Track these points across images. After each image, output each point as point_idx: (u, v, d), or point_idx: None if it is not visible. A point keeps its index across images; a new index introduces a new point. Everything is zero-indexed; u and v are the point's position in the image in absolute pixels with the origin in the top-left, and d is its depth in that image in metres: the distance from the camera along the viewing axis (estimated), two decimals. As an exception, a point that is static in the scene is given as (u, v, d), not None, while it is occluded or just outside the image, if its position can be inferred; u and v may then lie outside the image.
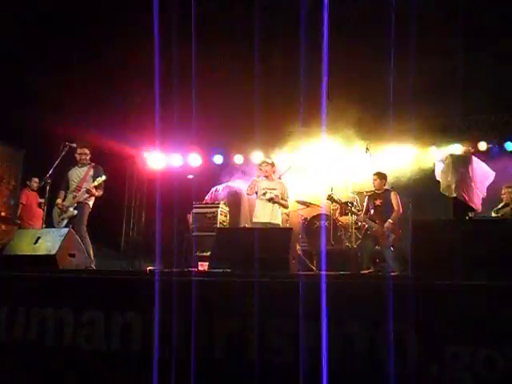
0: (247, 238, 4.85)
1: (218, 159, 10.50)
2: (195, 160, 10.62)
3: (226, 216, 8.55)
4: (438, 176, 8.17)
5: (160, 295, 3.85)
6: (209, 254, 5.43)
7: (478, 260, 3.54)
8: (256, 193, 7.26)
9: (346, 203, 8.03)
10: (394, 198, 7.25)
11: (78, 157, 6.91)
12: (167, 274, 4.47)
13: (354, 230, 8.25)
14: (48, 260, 4.82)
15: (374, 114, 8.37)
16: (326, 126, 9.32)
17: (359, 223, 7.92)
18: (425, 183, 8.49)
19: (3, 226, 8.74)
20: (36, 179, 8.57)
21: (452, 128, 8.91)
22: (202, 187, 9.83)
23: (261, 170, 7.33)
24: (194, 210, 8.45)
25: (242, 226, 8.63)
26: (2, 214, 9.34)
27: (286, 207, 7.40)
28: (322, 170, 9.30)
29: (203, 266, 7.07)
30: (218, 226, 8.20)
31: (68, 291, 4.39)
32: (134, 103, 9.91)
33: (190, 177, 10.74)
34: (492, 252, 3.56)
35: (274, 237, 5.08)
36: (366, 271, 6.75)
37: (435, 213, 8.13)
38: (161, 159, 10.86)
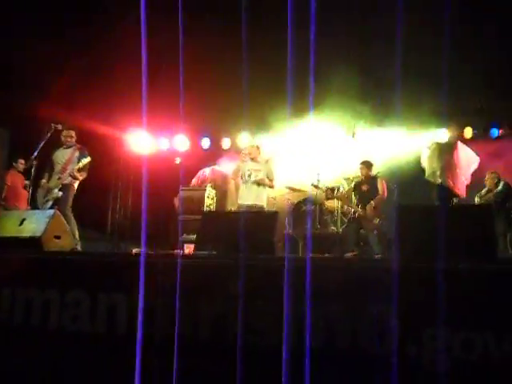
0: (233, 222, 4.86)
1: (206, 142, 10.47)
2: (182, 143, 10.58)
3: (212, 199, 8.54)
4: (424, 162, 8.23)
5: (145, 277, 3.86)
6: (195, 236, 5.43)
7: (460, 244, 3.59)
8: (241, 177, 7.30)
9: (332, 189, 8.10)
10: (380, 184, 7.36)
11: (63, 138, 6.86)
12: (153, 256, 4.49)
13: (339, 215, 8.32)
14: (33, 242, 4.80)
15: (360, 99, 8.39)
16: (312, 110, 9.36)
17: (345, 207, 8.01)
18: (410, 169, 8.56)
19: (-13, 208, 8.67)
20: (22, 161, 8.47)
21: (438, 114, 8.95)
22: (189, 171, 9.82)
23: (247, 153, 7.37)
24: (181, 194, 8.44)
25: (228, 209, 8.64)
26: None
27: (271, 187, 7.48)
28: (309, 155, 9.33)
29: (189, 249, 7.10)
30: (205, 209, 8.20)
31: (53, 273, 4.39)
32: (121, 85, 9.83)
33: (177, 160, 10.70)
34: (472, 237, 3.62)
35: (260, 220, 5.11)
36: (350, 254, 6.84)
37: (420, 198, 8.21)
38: (148, 142, 10.79)
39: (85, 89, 8.67)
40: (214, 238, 4.65)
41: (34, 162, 6.64)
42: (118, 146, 10.97)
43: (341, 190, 8.34)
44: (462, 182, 7.83)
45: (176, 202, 8.54)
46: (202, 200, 8.26)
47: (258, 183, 7.19)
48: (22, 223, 5.00)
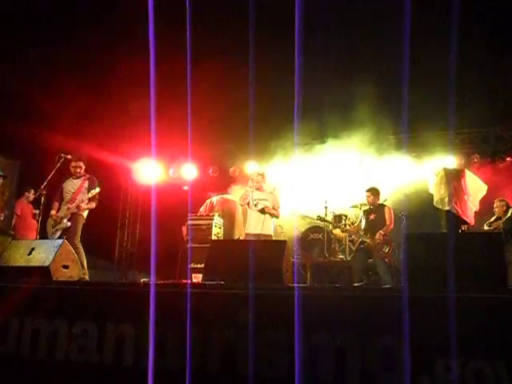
0: (241, 250, 4.86)
1: (214, 171, 10.54)
2: (190, 172, 10.65)
3: (220, 228, 8.54)
4: (431, 189, 8.22)
5: (154, 307, 3.85)
6: (203, 265, 5.42)
7: (469, 273, 3.57)
8: (248, 204, 7.30)
9: (339, 217, 8.11)
10: (388, 213, 7.30)
11: (72, 169, 6.91)
12: (161, 285, 4.48)
13: (347, 243, 8.30)
14: (42, 271, 4.81)
15: (368, 127, 8.46)
16: (321, 138, 9.43)
17: (353, 236, 7.99)
18: (418, 196, 8.55)
19: (-3, 237, 8.71)
20: (32, 191, 8.55)
21: (445, 142, 9.00)
22: (197, 199, 9.85)
23: (252, 180, 7.38)
24: (189, 222, 8.44)
25: (236, 237, 8.63)
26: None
27: (276, 217, 7.44)
28: (316, 183, 9.36)
29: (197, 278, 7.06)
30: (213, 237, 8.20)
31: (61, 302, 4.38)
32: (129, 115, 9.97)
33: (185, 188, 10.76)
34: (482, 265, 3.59)
35: (269, 249, 5.10)
36: (359, 283, 6.78)
37: (428, 226, 8.19)
38: (156, 171, 10.87)
39: (94, 119, 8.80)
40: (222, 267, 4.64)
41: (44, 192, 6.69)
42: (127, 175, 11.07)
43: (349, 217, 8.33)
44: (470, 208, 7.80)
45: (184, 230, 8.54)
46: (210, 228, 8.26)
47: (264, 212, 7.18)
48: (30, 252, 5.02)
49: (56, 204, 6.79)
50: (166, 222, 8.02)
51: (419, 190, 8.67)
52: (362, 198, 8.18)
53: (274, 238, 7.51)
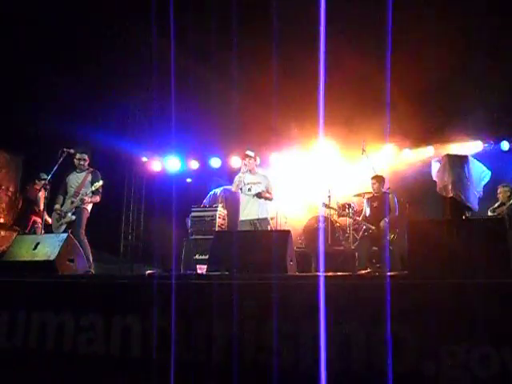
0: (245, 241, 4.88)
1: (216, 162, 10.55)
2: (193, 163, 10.67)
3: (224, 219, 8.56)
4: (435, 176, 8.19)
5: (159, 299, 3.88)
6: (207, 257, 5.44)
7: (472, 259, 3.57)
8: (241, 189, 7.20)
9: (343, 206, 8.11)
10: (392, 201, 7.33)
11: (76, 162, 6.93)
12: (166, 277, 4.50)
13: (351, 232, 8.30)
14: (47, 265, 4.84)
15: (370, 114, 8.43)
16: (322, 127, 9.40)
17: (357, 225, 7.99)
18: (421, 183, 8.53)
19: (2, 232, 8.75)
20: (39, 181, 8.31)
21: (448, 128, 8.96)
22: (201, 191, 9.87)
23: (244, 164, 7.26)
24: (193, 214, 8.47)
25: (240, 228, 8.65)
26: (1, 220, 9.36)
27: (270, 200, 7.27)
28: (319, 173, 9.36)
29: (202, 270, 7.09)
30: (217, 229, 8.22)
31: (67, 296, 4.42)
32: (133, 108, 9.97)
33: (189, 181, 10.79)
34: (485, 250, 3.60)
35: (273, 239, 5.10)
36: (363, 271, 6.79)
37: (432, 213, 8.16)
38: (159, 163, 10.90)
39: (98, 112, 8.80)
40: (226, 258, 4.66)
41: (47, 187, 6.71)
42: (130, 168, 11.09)
43: (352, 206, 8.33)
44: (474, 195, 7.76)
45: (188, 222, 8.57)
46: (213, 220, 8.28)
47: (260, 197, 7.06)
48: (36, 247, 5.04)
49: (60, 198, 6.82)
50: (169, 215, 8.05)
51: (422, 177, 8.66)
52: (365, 186, 8.19)
53: (270, 221, 7.43)
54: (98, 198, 6.83)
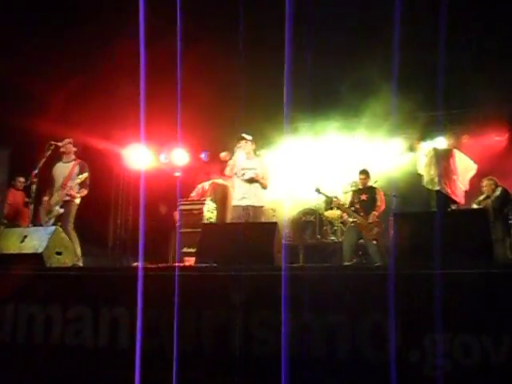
0: (233, 233, 4.91)
1: (205, 156, 10.55)
2: (182, 157, 10.65)
3: (212, 213, 8.57)
4: (421, 170, 8.28)
5: (146, 291, 3.90)
6: (195, 250, 5.46)
7: (456, 249, 3.63)
8: (235, 174, 6.89)
9: (331, 198, 8.17)
10: (379, 195, 7.45)
11: (63, 150, 6.87)
12: (153, 269, 4.53)
13: (339, 225, 8.37)
14: (35, 258, 4.84)
15: (356, 107, 8.48)
16: (311, 120, 9.45)
17: (344, 217, 8.05)
18: (408, 177, 8.62)
19: (-11, 226, 8.70)
20: (21, 179, 8.52)
21: (434, 122, 9.04)
22: (189, 184, 9.86)
23: (239, 148, 6.94)
24: (180, 207, 8.48)
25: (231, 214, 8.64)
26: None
27: (265, 187, 6.87)
28: (307, 166, 9.41)
29: (190, 262, 7.12)
30: (205, 222, 8.23)
31: (55, 288, 4.43)
32: (119, 100, 9.91)
33: (177, 174, 10.77)
34: (468, 241, 3.66)
35: (260, 231, 5.14)
36: (349, 263, 6.88)
37: (419, 206, 8.26)
38: (147, 157, 10.86)
39: (83, 105, 8.74)
40: (214, 250, 4.69)
41: (34, 180, 6.68)
42: (118, 161, 11.04)
43: (340, 199, 8.38)
44: (460, 188, 7.85)
45: (176, 215, 8.58)
46: (201, 213, 8.30)
47: (252, 181, 6.73)
48: (23, 240, 5.04)
49: (48, 191, 6.80)
50: (157, 208, 8.07)
51: (409, 170, 8.74)
52: (352, 180, 8.24)
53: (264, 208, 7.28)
54: (85, 192, 6.79)
